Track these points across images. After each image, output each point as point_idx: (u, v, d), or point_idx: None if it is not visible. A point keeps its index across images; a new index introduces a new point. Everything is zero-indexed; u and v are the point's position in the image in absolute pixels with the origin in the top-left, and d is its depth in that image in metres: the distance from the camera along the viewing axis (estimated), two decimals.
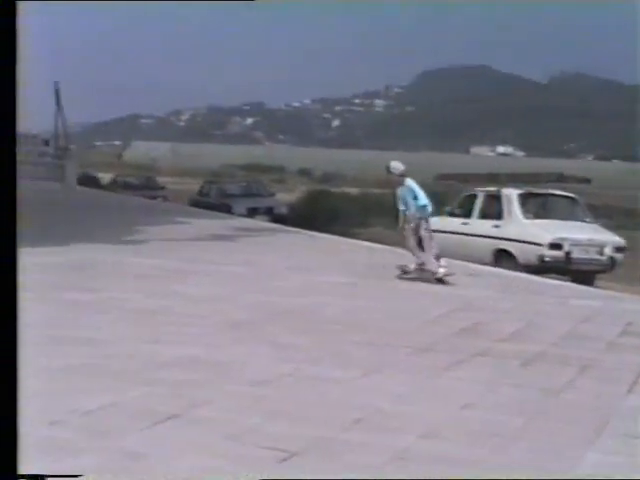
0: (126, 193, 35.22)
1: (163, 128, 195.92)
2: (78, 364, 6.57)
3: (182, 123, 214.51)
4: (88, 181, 43.11)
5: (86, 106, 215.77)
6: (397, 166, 12.08)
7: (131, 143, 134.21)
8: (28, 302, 8.90)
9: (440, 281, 11.62)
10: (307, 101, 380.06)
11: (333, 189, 46.08)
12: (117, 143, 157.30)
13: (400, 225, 12.10)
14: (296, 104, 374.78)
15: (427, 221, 11.94)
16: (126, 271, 12.02)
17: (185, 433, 4.98)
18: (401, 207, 11.98)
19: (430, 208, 11.95)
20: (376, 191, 40.77)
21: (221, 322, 8.56)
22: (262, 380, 6.21)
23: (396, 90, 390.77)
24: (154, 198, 34.28)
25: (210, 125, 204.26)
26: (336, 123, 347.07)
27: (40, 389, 5.68)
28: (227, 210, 27.53)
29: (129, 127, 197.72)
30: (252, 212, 28.07)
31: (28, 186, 29.49)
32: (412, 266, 12.04)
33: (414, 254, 11.98)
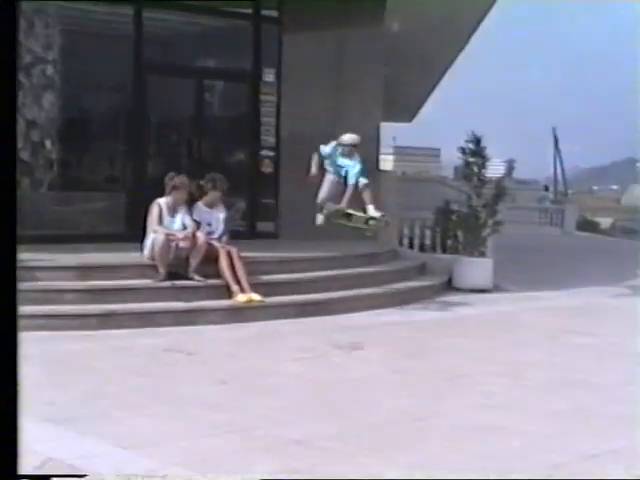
0: (625, 237, 34.55)
1: None
2: (579, 408, 6.60)
3: None
4: (587, 226, 42.91)
5: (582, 150, 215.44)
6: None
7: (629, 187, 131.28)
8: (539, 343, 9.22)
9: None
10: None
11: None
12: (614, 187, 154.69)
13: None
14: None
15: None
16: (623, 315, 11.75)
17: None
18: None
19: None
20: None
21: None
22: None
23: None
24: None
25: None
26: None
27: (542, 431, 5.85)
28: None
29: (626, 171, 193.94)
30: None
31: (529, 231, 30.08)
32: None
33: None
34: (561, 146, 63.82)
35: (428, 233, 19.28)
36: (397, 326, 10.36)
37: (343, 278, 11.86)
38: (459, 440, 5.69)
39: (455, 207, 16.15)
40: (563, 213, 36.72)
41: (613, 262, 20.52)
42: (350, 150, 11.23)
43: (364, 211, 11.24)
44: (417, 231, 19.55)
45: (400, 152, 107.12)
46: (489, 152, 14.60)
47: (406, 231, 19.39)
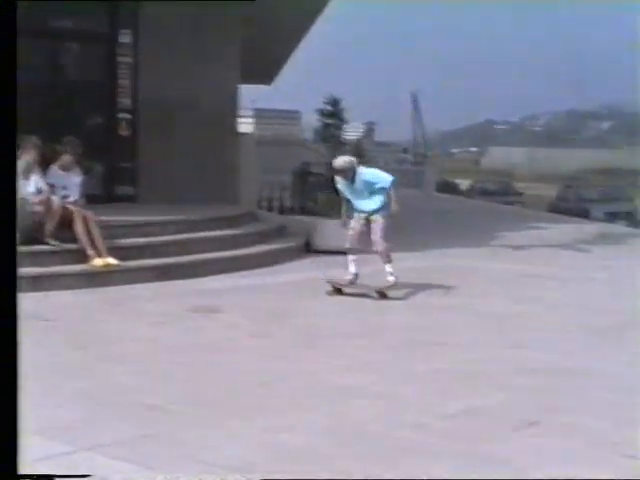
0: (484, 199, 35.46)
1: (518, 133, 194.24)
2: (437, 368, 6.73)
3: (538, 128, 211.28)
4: (446, 187, 43.79)
5: (442, 113, 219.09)
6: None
7: (487, 149, 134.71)
8: (398, 305, 9.27)
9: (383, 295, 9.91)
10: None
11: None
12: (473, 149, 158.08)
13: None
14: None
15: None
16: (484, 276, 12.09)
17: (546, 440, 4.95)
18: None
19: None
20: None
21: (579, 328, 8.45)
22: (622, 388, 6.08)
23: None
24: (511, 204, 34.33)
25: (566, 129, 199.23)
26: None
27: (400, 392, 5.99)
28: (585, 215, 27.22)
29: (484, 133, 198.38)
30: (610, 217, 27.82)
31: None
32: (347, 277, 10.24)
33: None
34: (421, 109, 64.88)
35: (288, 196, 19.37)
36: (255, 289, 10.38)
37: (201, 241, 11.82)
38: (316, 402, 5.75)
39: (315, 169, 16.21)
40: (423, 175, 37.41)
41: (470, 224, 21.07)
42: (347, 174, 10.10)
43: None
44: (276, 194, 19.62)
45: (259, 115, 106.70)
46: (350, 115, 14.70)
47: (265, 194, 19.42)
